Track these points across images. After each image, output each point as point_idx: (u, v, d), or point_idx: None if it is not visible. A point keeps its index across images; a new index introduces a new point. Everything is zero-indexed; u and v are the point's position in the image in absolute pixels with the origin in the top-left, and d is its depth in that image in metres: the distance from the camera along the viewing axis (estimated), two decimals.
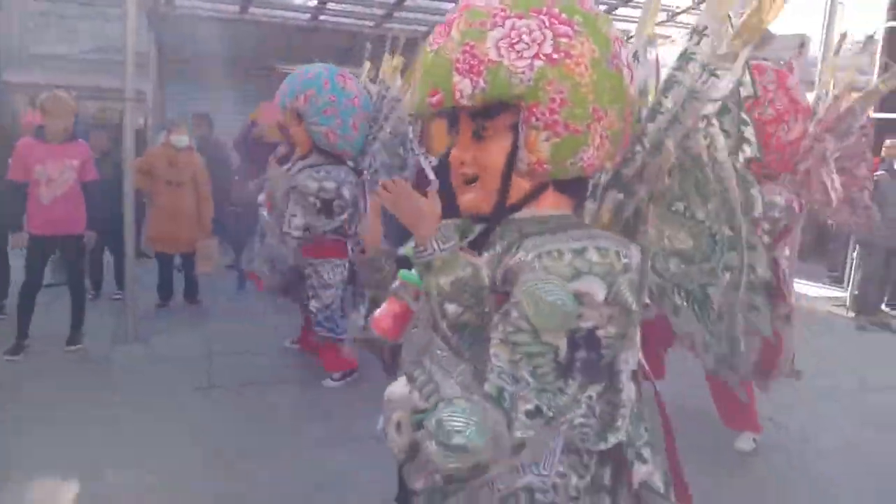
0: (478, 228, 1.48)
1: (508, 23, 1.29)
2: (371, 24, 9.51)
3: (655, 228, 1.65)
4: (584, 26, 1.31)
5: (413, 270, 1.45)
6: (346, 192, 4.28)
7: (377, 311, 1.60)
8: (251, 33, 9.51)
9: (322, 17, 9.36)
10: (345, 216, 4.33)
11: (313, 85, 4.27)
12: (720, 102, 1.59)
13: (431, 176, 3.91)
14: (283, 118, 4.49)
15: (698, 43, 1.63)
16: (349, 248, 4.46)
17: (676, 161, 1.60)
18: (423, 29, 9.61)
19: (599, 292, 1.21)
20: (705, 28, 1.63)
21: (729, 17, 1.63)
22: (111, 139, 6.29)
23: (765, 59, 4.36)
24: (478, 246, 1.43)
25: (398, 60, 4.73)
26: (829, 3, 7.08)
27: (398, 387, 1.49)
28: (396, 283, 1.60)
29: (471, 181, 1.41)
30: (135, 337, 5.43)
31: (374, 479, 3.05)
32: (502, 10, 1.30)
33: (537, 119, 1.30)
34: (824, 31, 7.22)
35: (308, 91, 4.25)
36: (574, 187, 1.44)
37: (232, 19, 9.16)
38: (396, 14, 9.08)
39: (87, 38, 14.53)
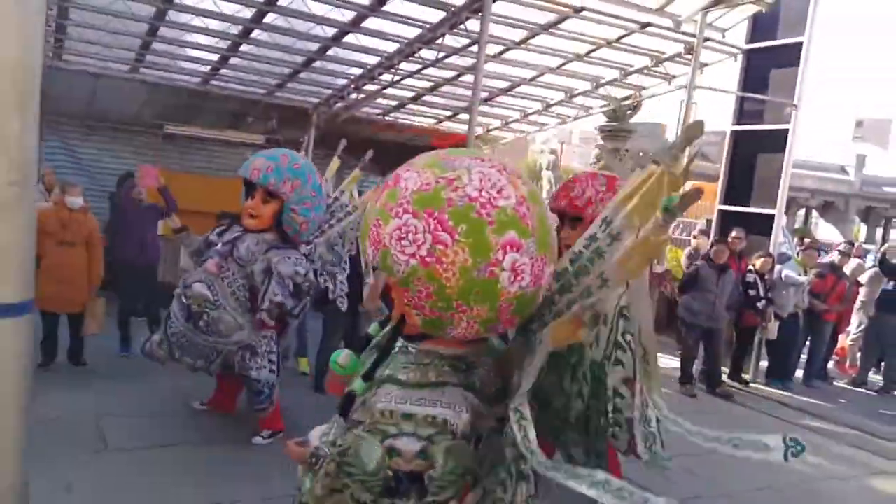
0: None
1: (405, 217, 1.60)
2: (262, 91, 9.85)
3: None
4: (467, 236, 1.56)
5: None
6: (311, 277, 4.67)
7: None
8: (139, 92, 9.54)
9: (213, 82, 9.59)
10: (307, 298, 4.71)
11: (301, 176, 4.53)
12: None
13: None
14: (256, 194, 4.61)
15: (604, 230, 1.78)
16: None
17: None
18: (314, 101, 10.09)
19: None
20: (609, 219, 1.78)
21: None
22: None
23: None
24: None
25: (358, 173, 5.25)
26: (685, 100, 8.27)
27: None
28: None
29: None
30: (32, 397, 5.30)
31: None
32: (407, 202, 1.61)
33: (408, 301, 1.68)
34: (679, 123, 8.41)
35: (296, 181, 4.50)
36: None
37: (121, 77, 9.19)
38: (289, 85, 9.49)
39: None
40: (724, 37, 8.57)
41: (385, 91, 9.28)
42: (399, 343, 1.88)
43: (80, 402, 5.43)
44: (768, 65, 8.91)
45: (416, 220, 1.59)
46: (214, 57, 8.61)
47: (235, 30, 7.68)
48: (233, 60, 8.61)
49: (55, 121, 9.30)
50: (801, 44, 8.47)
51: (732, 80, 9.30)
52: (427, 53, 7.92)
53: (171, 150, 9.94)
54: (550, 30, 7.61)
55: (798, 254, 9.12)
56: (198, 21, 7.42)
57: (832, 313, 8.86)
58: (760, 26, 8.93)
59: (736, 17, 8.44)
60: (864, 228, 34.41)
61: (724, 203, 9.25)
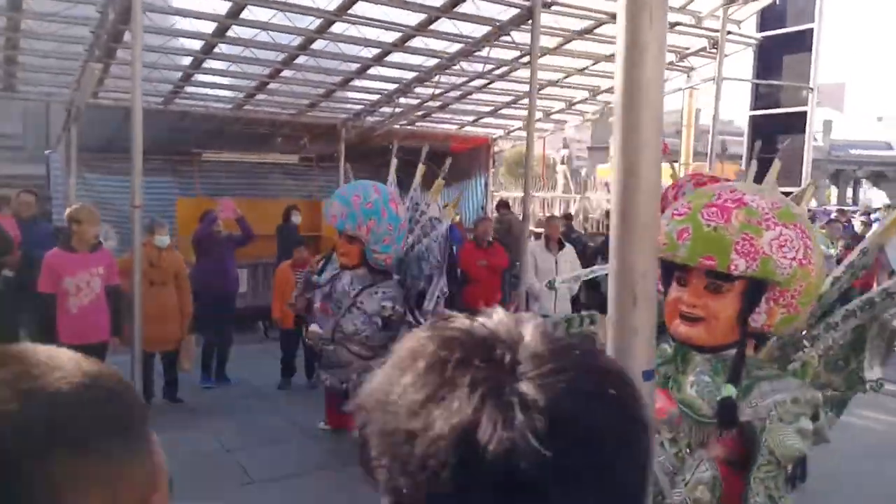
0: (681, 353, 2.11)
1: (778, 229, 1.92)
2: (293, 111, 10.00)
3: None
4: (816, 243, 2.00)
5: None
6: (399, 308, 4.88)
7: None
8: (174, 123, 9.62)
9: (246, 107, 9.73)
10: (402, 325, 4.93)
11: (374, 215, 4.74)
12: None
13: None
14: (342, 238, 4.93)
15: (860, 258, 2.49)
16: None
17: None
18: (343, 116, 10.28)
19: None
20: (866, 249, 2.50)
21: None
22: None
23: None
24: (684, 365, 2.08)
25: (440, 183, 5.38)
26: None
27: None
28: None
29: (695, 319, 2.02)
30: None
31: None
32: (771, 217, 1.94)
33: (783, 299, 1.98)
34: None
35: (370, 222, 4.73)
36: (761, 339, 2.17)
37: (155, 110, 9.26)
38: (323, 104, 9.66)
39: None
40: (740, 28, 8.97)
41: (424, 104, 9.51)
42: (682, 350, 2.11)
43: (201, 439, 5.54)
44: (780, 52, 9.35)
45: (789, 231, 1.92)
46: (252, 83, 8.75)
47: (281, 56, 7.85)
48: (272, 85, 8.77)
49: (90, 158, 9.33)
50: (811, 30, 8.92)
51: (741, 70, 9.77)
52: (466, 65, 8.17)
53: (206, 176, 10.03)
54: (585, 35, 7.92)
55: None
56: (247, 52, 7.57)
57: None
58: (768, 16, 9.37)
59: (749, 10, 8.85)
60: (834, 191, 35.66)
61: None
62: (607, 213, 10.46)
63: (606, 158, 16.44)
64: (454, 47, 7.76)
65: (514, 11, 6.94)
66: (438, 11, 6.82)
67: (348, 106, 10.05)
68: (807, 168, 8.92)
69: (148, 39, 7.43)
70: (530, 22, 6.79)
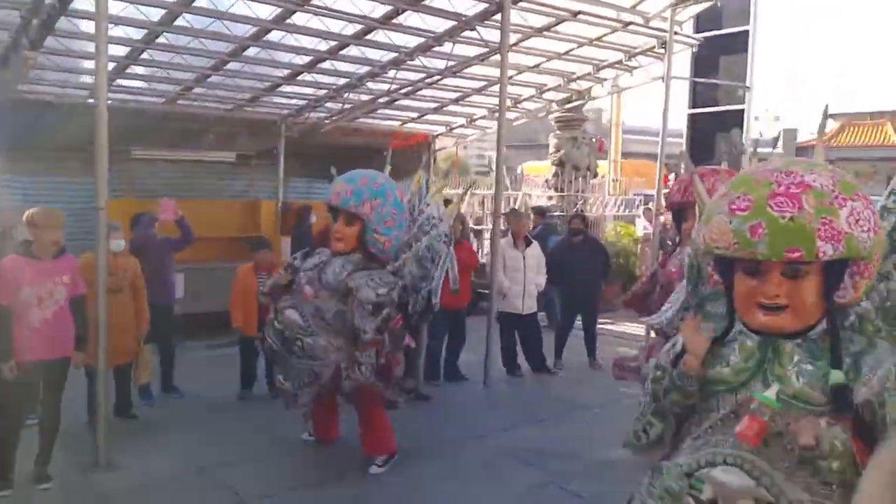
0: (770, 345, 1.98)
1: (849, 204, 1.84)
2: (229, 107, 9.48)
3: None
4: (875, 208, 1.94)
5: (767, 392, 1.93)
6: (394, 296, 4.62)
7: (742, 426, 1.94)
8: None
9: (180, 101, 9.13)
10: (385, 313, 4.63)
11: (380, 195, 4.61)
12: None
13: None
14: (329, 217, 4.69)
15: (894, 201, 2.25)
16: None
17: None
18: (283, 112, 9.85)
19: None
20: None
21: None
22: None
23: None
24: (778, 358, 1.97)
25: (420, 175, 5.18)
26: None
27: (732, 478, 1.89)
28: (755, 404, 1.96)
29: (779, 308, 1.91)
30: (106, 463, 4.96)
31: None
32: (838, 193, 1.85)
33: (866, 271, 1.95)
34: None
35: (375, 201, 4.57)
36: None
37: (80, 104, 8.53)
38: (264, 98, 9.21)
39: None
40: (682, 29, 9.23)
41: (377, 100, 9.23)
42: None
43: (167, 458, 5.13)
44: (717, 53, 9.71)
45: (857, 203, 1.86)
46: (192, 76, 8.20)
47: (228, 48, 7.39)
48: (213, 78, 8.25)
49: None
50: (747, 31, 9.31)
51: (676, 71, 10.05)
52: (426, 60, 7.99)
53: (138, 175, 9.31)
54: (544, 32, 7.92)
55: None
56: (195, 42, 7.08)
57: None
58: (704, 18, 9.72)
59: (691, 12, 9.13)
60: None
61: None
62: (541, 210, 10.55)
63: (532, 156, 16.64)
64: (415, 41, 7.56)
65: (483, 6, 6.81)
66: (405, 4, 6.60)
67: (292, 102, 9.61)
68: (746, 164, 9.27)
69: (83, 27, 6.85)
70: (498, 17, 6.71)
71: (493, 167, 13.69)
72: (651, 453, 2.33)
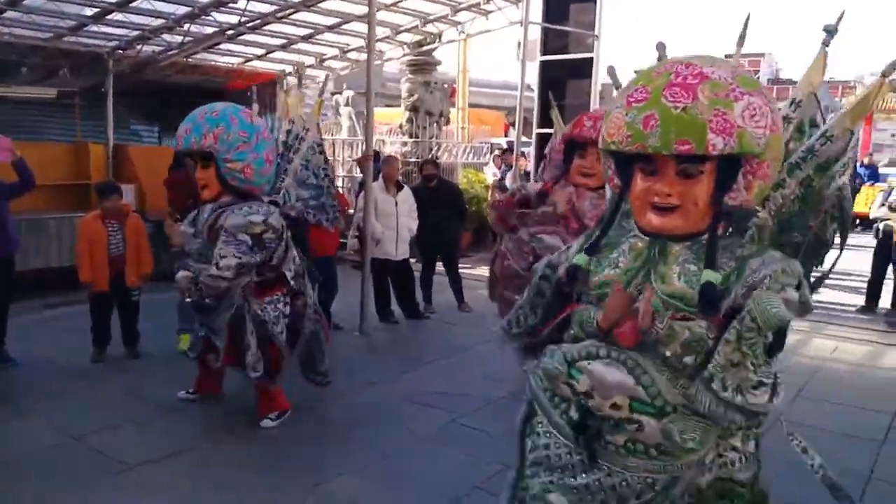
0: (657, 246, 1.96)
1: (746, 98, 1.77)
2: (48, 35, 8.26)
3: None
4: (776, 106, 1.88)
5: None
6: (274, 222, 4.21)
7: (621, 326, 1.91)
8: None
9: None
10: (278, 247, 4.30)
11: (221, 122, 4.10)
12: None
13: None
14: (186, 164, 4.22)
15: (794, 111, 2.30)
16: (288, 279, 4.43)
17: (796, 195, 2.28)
18: (111, 45, 8.80)
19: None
20: (800, 100, 2.31)
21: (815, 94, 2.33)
22: None
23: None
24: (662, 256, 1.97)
25: (298, 96, 4.77)
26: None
27: (612, 373, 1.90)
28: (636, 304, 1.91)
29: (671, 208, 1.89)
30: None
31: None
32: (735, 86, 1.79)
33: (759, 171, 1.85)
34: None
35: (217, 129, 4.07)
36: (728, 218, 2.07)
37: None
38: (90, 27, 8.13)
39: None
40: None
41: (225, 31, 8.43)
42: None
43: (41, 429, 4.53)
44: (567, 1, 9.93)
45: (755, 98, 1.79)
46: None
47: None
48: (28, 0, 7.11)
49: None
50: None
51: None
52: None
53: None
54: None
55: None
56: None
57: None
58: None
59: None
60: None
61: (541, 127, 10.29)
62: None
63: (381, 103, 16.30)
64: None
65: None
66: None
67: (121, 32, 8.54)
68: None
69: None
70: None
71: (341, 113, 13.32)
72: (520, 341, 2.35)
